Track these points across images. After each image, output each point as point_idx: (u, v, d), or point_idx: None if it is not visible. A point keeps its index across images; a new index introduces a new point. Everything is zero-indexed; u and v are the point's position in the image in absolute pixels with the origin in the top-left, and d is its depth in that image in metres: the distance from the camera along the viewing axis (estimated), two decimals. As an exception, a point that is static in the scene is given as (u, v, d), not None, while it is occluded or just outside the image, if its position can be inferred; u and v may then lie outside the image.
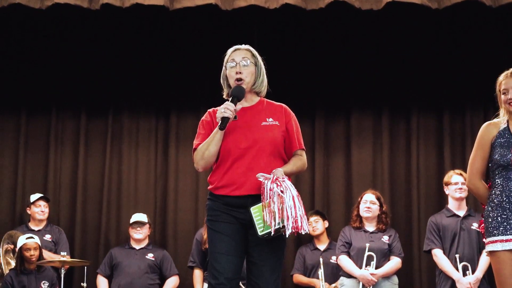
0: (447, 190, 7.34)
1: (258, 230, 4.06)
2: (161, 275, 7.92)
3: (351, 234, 7.44)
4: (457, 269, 7.04)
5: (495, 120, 4.69)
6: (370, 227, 7.47)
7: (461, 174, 7.20)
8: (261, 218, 4.05)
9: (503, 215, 4.45)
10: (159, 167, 8.47)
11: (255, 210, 4.08)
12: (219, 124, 4.15)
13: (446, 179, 7.35)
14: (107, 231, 8.30)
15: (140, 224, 7.95)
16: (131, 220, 7.98)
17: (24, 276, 7.20)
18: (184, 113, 8.49)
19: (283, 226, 3.99)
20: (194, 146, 4.32)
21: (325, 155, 8.47)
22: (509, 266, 4.41)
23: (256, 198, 4.10)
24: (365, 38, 8.38)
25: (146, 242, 8.01)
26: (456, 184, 7.24)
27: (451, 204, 7.34)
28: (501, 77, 4.66)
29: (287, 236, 4.07)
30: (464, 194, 7.26)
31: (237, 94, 4.25)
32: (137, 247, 7.97)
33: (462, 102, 8.41)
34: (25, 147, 8.46)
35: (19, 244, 7.24)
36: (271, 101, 4.47)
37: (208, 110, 4.43)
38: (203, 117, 4.41)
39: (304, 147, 4.45)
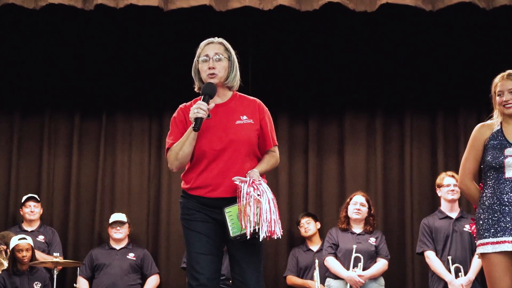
0: (440, 192, 7.36)
1: (231, 232, 4.02)
2: (142, 274, 7.91)
3: (338, 235, 7.44)
4: (449, 271, 7.05)
5: (488, 121, 4.69)
6: (357, 228, 7.47)
7: (453, 176, 7.22)
8: (235, 219, 4.01)
9: (493, 217, 4.46)
10: (152, 168, 8.46)
11: (228, 211, 4.04)
12: (192, 125, 4.04)
13: (438, 181, 7.37)
14: (101, 232, 8.28)
15: (119, 223, 7.93)
16: (110, 220, 7.97)
17: (16, 277, 7.19)
18: (178, 114, 8.47)
19: (258, 229, 3.95)
20: (167, 145, 4.24)
21: (318, 157, 8.46)
22: (500, 268, 4.42)
23: (232, 200, 4.06)
24: (359, 39, 8.39)
25: (126, 241, 7.99)
26: (448, 186, 7.26)
27: (444, 206, 7.35)
28: (497, 79, 4.66)
29: (260, 240, 4.01)
30: (456, 196, 7.27)
31: (209, 92, 4.15)
32: (117, 247, 7.95)
33: (455, 104, 8.41)
34: (19, 148, 8.43)
35: (11, 245, 7.22)
36: (244, 95, 4.38)
37: (180, 106, 4.34)
38: (175, 114, 4.31)
39: (277, 143, 4.39)
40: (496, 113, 4.68)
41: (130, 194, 8.44)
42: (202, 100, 4.09)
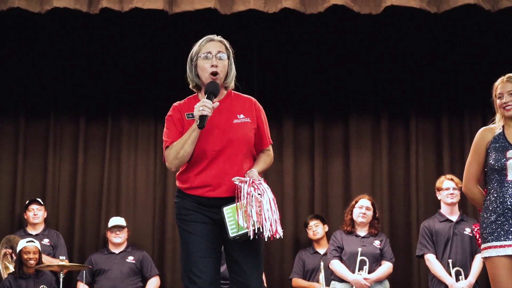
0: (439, 196, 7.36)
1: (230, 232, 3.96)
2: (142, 276, 7.91)
3: (343, 238, 7.42)
4: (450, 274, 7.05)
5: (491, 125, 4.74)
6: (362, 231, 7.46)
7: (452, 180, 7.23)
8: (234, 219, 3.95)
9: (497, 221, 4.48)
10: (158, 171, 8.46)
11: (228, 211, 3.98)
12: (198, 123, 3.95)
13: (438, 184, 7.37)
14: (106, 236, 8.28)
15: (119, 228, 7.93)
16: (110, 224, 7.96)
17: (22, 281, 7.19)
18: (183, 117, 8.46)
19: (259, 229, 3.90)
20: (165, 144, 4.14)
21: (324, 159, 8.47)
22: (504, 272, 4.45)
23: (231, 199, 4.01)
24: (364, 42, 8.39)
25: (125, 245, 7.99)
26: (447, 190, 7.25)
27: (444, 209, 7.35)
28: (497, 82, 4.73)
29: (265, 240, 3.95)
30: (455, 199, 7.27)
31: (213, 91, 4.08)
32: (117, 251, 7.94)
33: (460, 107, 8.41)
34: (24, 151, 8.45)
35: (19, 248, 7.23)
36: (238, 93, 4.31)
37: (174, 104, 4.27)
38: (170, 113, 4.23)
39: (271, 141, 4.36)
40: (498, 117, 4.73)
41: (136, 197, 8.45)
42: (207, 98, 4.03)
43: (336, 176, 8.47)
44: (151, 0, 7.07)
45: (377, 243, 7.39)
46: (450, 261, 7.08)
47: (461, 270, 7.04)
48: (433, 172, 8.36)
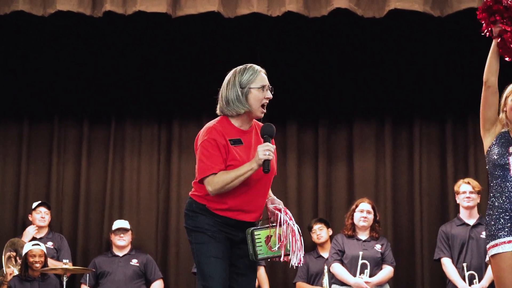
0: (458, 199, 7.37)
1: (258, 254, 4.12)
2: (146, 280, 7.92)
3: (344, 242, 7.41)
4: (464, 278, 7.03)
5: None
6: (363, 235, 7.45)
7: (469, 183, 7.23)
8: (263, 243, 4.12)
9: (505, 215, 4.43)
10: (161, 175, 8.47)
11: (257, 234, 4.12)
12: (263, 167, 4.03)
13: (455, 188, 7.38)
14: (110, 239, 8.28)
15: (123, 230, 7.94)
16: (114, 227, 7.98)
17: (27, 283, 7.21)
18: (187, 121, 8.49)
19: (287, 254, 4.17)
20: (212, 170, 4.08)
21: (328, 163, 8.46)
22: (509, 270, 4.38)
23: (253, 224, 4.19)
24: (367, 46, 8.38)
25: (128, 248, 8.01)
26: (464, 193, 7.25)
27: (462, 213, 7.37)
28: None
29: (291, 265, 4.21)
30: (472, 203, 7.26)
31: (272, 134, 4.18)
32: (120, 254, 7.96)
33: (464, 111, 8.39)
34: (28, 155, 8.46)
35: (25, 250, 7.26)
36: (256, 121, 4.37)
37: (213, 127, 4.16)
38: (214, 136, 4.11)
39: None
40: (501, 117, 4.70)
41: (139, 200, 8.45)
42: (266, 141, 4.12)
43: (340, 180, 8.46)
44: (154, 4, 7.08)
45: (378, 247, 7.37)
46: (464, 265, 7.10)
47: (475, 274, 7.05)
48: (437, 176, 8.35)
